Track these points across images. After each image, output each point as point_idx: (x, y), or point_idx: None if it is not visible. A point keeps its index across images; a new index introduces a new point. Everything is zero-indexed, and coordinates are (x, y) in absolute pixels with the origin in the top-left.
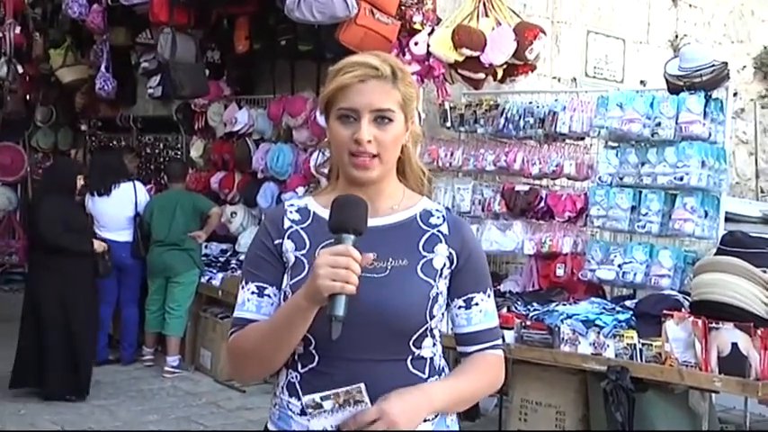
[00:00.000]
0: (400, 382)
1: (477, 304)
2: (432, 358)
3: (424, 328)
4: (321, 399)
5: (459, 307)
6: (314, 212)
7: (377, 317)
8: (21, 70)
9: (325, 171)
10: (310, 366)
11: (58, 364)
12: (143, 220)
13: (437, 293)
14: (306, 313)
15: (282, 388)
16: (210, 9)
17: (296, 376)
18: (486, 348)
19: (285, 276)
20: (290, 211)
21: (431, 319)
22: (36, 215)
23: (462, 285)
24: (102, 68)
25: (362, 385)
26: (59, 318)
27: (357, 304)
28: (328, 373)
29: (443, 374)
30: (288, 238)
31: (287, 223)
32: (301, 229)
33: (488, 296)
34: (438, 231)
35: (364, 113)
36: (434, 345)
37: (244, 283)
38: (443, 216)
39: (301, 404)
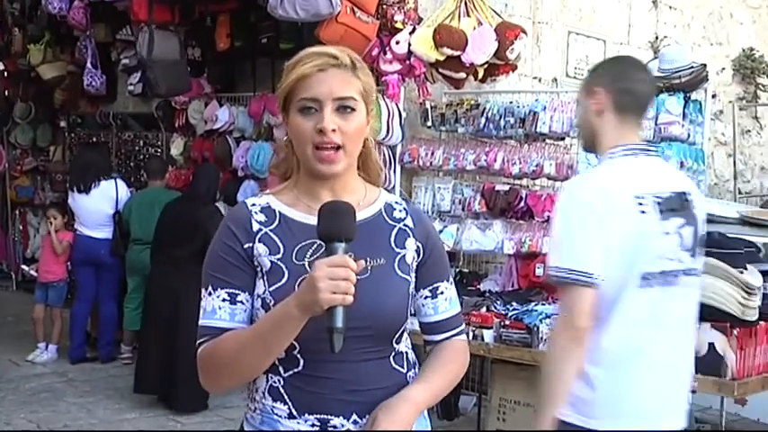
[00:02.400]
0: (384, 378)
1: (442, 293)
2: (407, 352)
3: (405, 325)
4: None
5: (426, 297)
6: (279, 212)
7: (364, 319)
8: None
9: (282, 171)
10: (295, 370)
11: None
12: (122, 218)
13: (413, 289)
14: (297, 322)
15: (264, 393)
16: (192, 6)
17: (278, 380)
18: (454, 335)
19: (259, 282)
20: (255, 212)
21: (410, 315)
22: (206, 225)
23: (428, 276)
24: (89, 65)
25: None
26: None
27: (349, 306)
28: (314, 376)
29: (416, 367)
30: (259, 241)
31: (255, 225)
32: (271, 231)
33: (451, 284)
34: (404, 226)
35: (327, 102)
36: (407, 338)
37: (211, 289)
38: (405, 209)
39: (288, 408)
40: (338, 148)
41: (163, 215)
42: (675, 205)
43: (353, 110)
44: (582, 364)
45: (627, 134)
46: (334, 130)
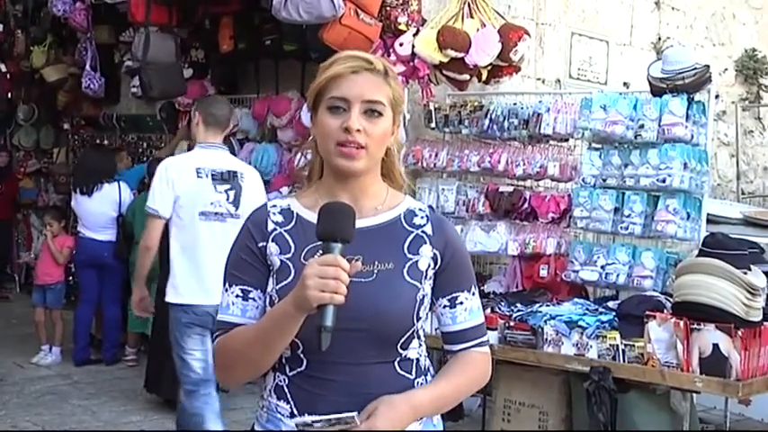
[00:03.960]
0: (388, 383)
1: (461, 303)
2: (418, 359)
3: (411, 331)
4: (312, 422)
5: (444, 306)
6: (297, 214)
7: (365, 322)
8: (2, 68)
9: (305, 173)
10: (299, 370)
11: None
12: (125, 221)
13: (423, 295)
14: (294, 320)
15: (270, 391)
16: (195, 8)
17: (284, 379)
18: (473, 346)
19: (270, 280)
20: (273, 213)
21: (417, 322)
22: None
23: (447, 285)
24: (88, 67)
25: (356, 414)
26: None
27: (344, 309)
28: (317, 377)
29: (429, 374)
30: (272, 240)
31: (270, 225)
32: (285, 231)
33: (473, 294)
34: (422, 232)
35: (355, 103)
36: (420, 345)
37: (227, 285)
38: (427, 216)
39: (290, 407)
40: (361, 147)
41: None
42: (225, 177)
43: (381, 114)
44: (150, 260)
45: (209, 137)
46: (359, 131)
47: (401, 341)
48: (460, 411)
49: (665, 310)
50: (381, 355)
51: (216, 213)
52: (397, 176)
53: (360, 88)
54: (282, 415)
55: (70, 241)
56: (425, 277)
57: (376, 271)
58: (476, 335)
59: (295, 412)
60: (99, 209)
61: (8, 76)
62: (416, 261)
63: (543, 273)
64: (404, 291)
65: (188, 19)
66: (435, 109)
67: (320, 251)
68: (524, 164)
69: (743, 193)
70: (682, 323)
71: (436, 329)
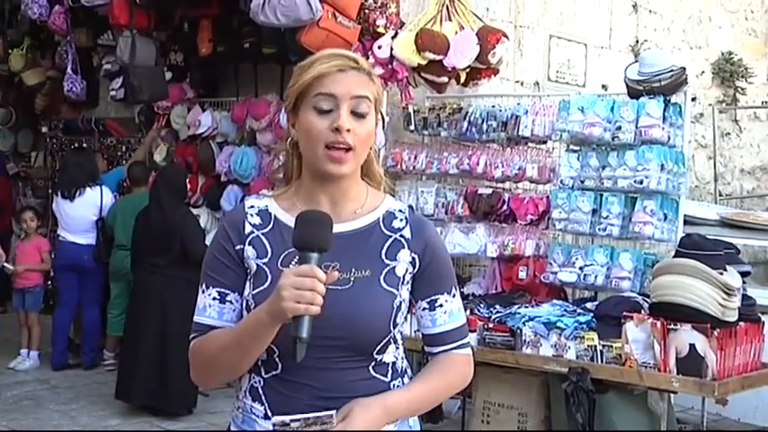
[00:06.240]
0: (363, 387)
1: (441, 305)
2: (394, 362)
3: (387, 338)
4: (290, 421)
5: (424, 309)
6: (275, 216)
7: (341, 330)
8: None
9: (280, 176)
10: (273, 373)
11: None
12: (106, 224)
13: (400, 302)
14: (269, 329)
15: (245, 392)
16: (173, 11)
17: (259, 381)
18: (453, 348)
19: (248, 283)
20: (251, 215)
21: (394, 328)
22: (181, 230)
23: (425, 287)
24: (69, 70)
25: (334, 413)
26: (185, 331)
27: (321, 317)
28: (291, 380)
29: (406, 376)
30: (249, 244)
31: (248, 228)
32: (262, 234)
33: (453, 296)
34: (400, 236)
35: (344, 101)
36: (397, 349)
37: (204, 286)
38: (406, 218)
39: (264, 409)
40: (348, 149)
41: (136, 224)
42: None
43: (366, 113)
44: None
45: None
46: (348, 131)
47: (377, 348)
48: (440, 413)
49: (643, 311)
50: (356, 360)
51: None
52: (376, 176)
53: (347, 85)
54: (257, 416)
55: (46, 244)
56: (403, 282)
57: (353, 278)
58: (456, 337)
59: (269, 414)
60: (80, 213)
61: None
62: (394, 267)
63: (522, 274)
64: (381, 298)
65: (166, 22)
66: (414, 111)
67: (297, 259)
68: (503, 166)
69: (720, 195)
70: (659, 324)
71: (415, 332)
